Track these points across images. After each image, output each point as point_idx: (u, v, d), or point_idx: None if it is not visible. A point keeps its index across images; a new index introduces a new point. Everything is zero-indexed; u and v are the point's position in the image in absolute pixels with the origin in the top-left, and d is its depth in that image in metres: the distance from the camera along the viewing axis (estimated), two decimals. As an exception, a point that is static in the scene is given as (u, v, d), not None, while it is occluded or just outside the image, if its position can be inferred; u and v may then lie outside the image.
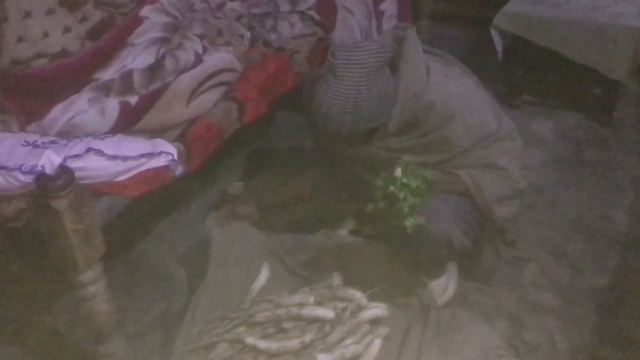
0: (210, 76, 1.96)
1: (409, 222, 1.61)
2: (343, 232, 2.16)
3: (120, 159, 1.61)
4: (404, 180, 1.59)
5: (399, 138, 1.77)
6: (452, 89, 1.73)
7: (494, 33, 2.74)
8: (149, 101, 1.81)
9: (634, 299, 1.91)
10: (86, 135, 1.70)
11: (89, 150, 1.57)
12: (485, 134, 1.75)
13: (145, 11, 2.00)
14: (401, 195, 1.60)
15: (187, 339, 1.77)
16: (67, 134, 1.71)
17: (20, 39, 1.81)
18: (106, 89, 1.80)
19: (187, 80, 1.89)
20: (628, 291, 1.95)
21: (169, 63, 1.91)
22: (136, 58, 1.87)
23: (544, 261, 2.09)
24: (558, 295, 1.96)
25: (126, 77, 1.82)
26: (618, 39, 2.53)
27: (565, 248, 2.15)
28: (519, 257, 2.11)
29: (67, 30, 1.92)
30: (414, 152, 1.75)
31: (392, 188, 1.60)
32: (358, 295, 1.81)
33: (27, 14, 1.82)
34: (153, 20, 1.99)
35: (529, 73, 2.93)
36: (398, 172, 1.60)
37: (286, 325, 1.77)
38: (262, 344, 1.69)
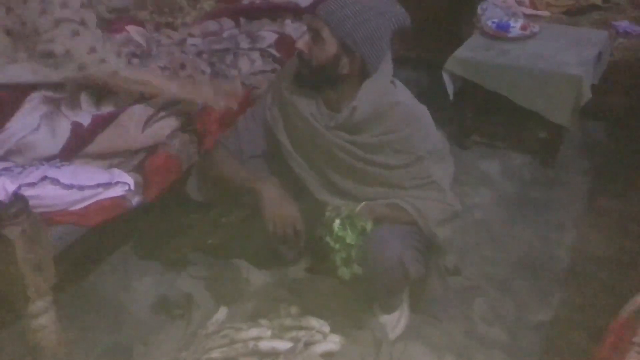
0: (167, 104, 1.97)
1: (342, 272, 1.71)
2: (298, 268, 2.19)
3: (76, 188, 1.61)
4: (340, 233, 1.66)
5: (363, 134, 1.82)
6: (414, 99, 1.85)
7: (445, 76, 2.85)
8: (102, 123, 1.80)
9: (576, 334, 1.98)
10: (42, 162, 1.68)
11: (44, 178, 1.57)
12: (435, 148, 1.85)
13: None
14: (335, 247, 1.66)
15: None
16: (18, 152, 1.68)
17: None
18: (56, 104, 1.79)
19: (142, 106, 1.90)
20: (571, 326, 2.02)
21: None
22: None
23: (491, 296, 2.15)
24: (505, 330, 2.02)
25: (74, 94, 1.82)
26: (560, 86, 2.67)
27: (512, 284, 2.22)
28: (467, 287, 2.17)
29: None
30: (374, 150, 1.81)
31: (327, 239, 1.67)
32: (319, 323, 1.83)
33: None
34: None
35: (478, 115, 3.05)
36: (336, 223, 1.67)
37: (242, 359, 1.77)
38: (215, 377, 1.68)
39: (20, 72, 1.73)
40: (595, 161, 2.95)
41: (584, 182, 2.81)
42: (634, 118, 2.99)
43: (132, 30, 2.23)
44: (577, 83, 2.63)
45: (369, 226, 1.69)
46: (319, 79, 1.76)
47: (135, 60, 2.08)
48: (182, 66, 2.18)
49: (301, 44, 1.74)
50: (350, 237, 1.66)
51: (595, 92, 2.72)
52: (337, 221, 1.67)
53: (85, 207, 1.63)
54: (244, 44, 2.45)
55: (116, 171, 1.73)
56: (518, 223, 2.54)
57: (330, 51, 1.71)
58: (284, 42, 2.46)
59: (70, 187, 1.59)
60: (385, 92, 1.80)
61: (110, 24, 2.27)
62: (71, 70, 1.73)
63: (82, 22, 1.74)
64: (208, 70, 2.27)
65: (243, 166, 1.89)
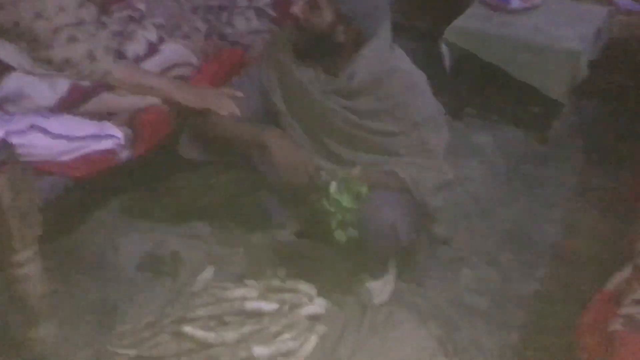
0: (166, 70, 1.97)
1: (337, 236, 1.71)
2: (286, 232, 2.19)
3: (64, 138, 1.59)
4: (336, 196, 1.66)
5: (360, 100, 1.80)
6: (412, 65, 1.83)
7: (443, 46, 2.82)
8: (101, 86, 1.78)
9: (558, 307, 2.00)
10: (30, 111, 1.65)
11: (32, 127, 1.55)
12: (431, 115, 1.83)
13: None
14: (331, 209, 1.66)
15: (126, 330, 1.76)
16: (12, 102, 1.66)
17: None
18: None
19: None
20: (553, 300, 2.04)
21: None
22: None
23: (478, 267, 2.17)
24: (489, 301, 2.03)
25: None
26: (558, 61, 2.65)
27: (498, 256, 2.23)
28: (454, 258, 2.18)
29: None
30: (371, 116, 1.80)
31: (323, 201, 1.67)
32: (306, 286, 1.84)
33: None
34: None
35: (473, 87, 3.03)
36: (333, 186, 1.66)
37: (228, 318, 1.78)
38: (200, 333, 1.69)
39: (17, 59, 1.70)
40: (588, 139, 2.94)
41: (576, 159, 2.81)
42: (629, 97, 2.98)
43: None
44: (575, 58, 2.61)
45: (364, 190, 1.69)
46: (315, 47, 1.74)
47: (133, 25, 2.04)
48: (178, 26, 2.14)
49: (296, 10, 1.70)
50: (346, 200, 1.66)
51: (592, 69, 2.70)
52: (334, 184, 1.67)
53: (74, 159, 1.61)
54: (241, 1, 2.40)
55: (106, 124, 1.71)
56: (508, 197, 2.55)
57: (326, 19, 1.68)
58: (282, 2, 2.41)
59: (58, 137, 1.57)
60: (384, 58, 1.77)
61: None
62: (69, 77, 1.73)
63: (80, 22, 1.71)
64: (203, 27, 2.23)
65: (244, 122, 1.86)
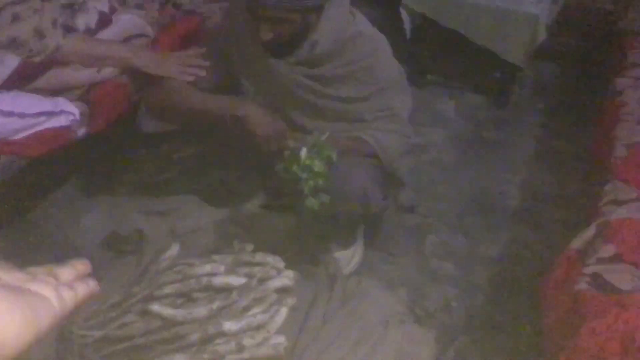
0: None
1: (309, 202, 1.67)
2: (253, 205, 2.16)
3: (16, 115, 1.52)
4: (307, 162, 1.63)
5: (324, 67, 1.78)
6: (374, 29, 1.81)
7: (403, 12, 2.80)
8: (53, 60, 1.70)
9: (524, 269, 2.04)
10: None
11: (-19, 104, 1.47)
12: (395, 78, 1.82)
13: None
14: (303, 175, 1.63)
15: (91, 311, 1.72)
16: None
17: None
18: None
19: None
20: (520, 261, 2.08)
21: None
22: None
23: (444, 233, 2.19)
24: (456, 265, 2.06)
25: None
26: (516, 25, 2.66)
27: (463, 221, 2.26)
28: (420, 224, 2.20)
29: None
30: (335, 83, 1.78)
31: (294, 167, 1.64)
32: (274, 259, 1.82)
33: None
34: None
35: (434, 54, 3.03)
36: (303, 152, 1.63)
37: (196, 295, 1.75)
38: (168, 311, 1.66)
39: None
40: (547, 102, 2.99)
41: (536, 123, 2.85)
42: (585, 59, 3.03)
43: None
44: (534, 22, 2.63)
45: (334, 155, 1.66)
46: (293, 44, 1.71)
47: None
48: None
49: (267, 36, 1.64)
50: (317, 165, 1.63)
51: (549, 33, 2.73)
52: (304, 149, 1.63)
53: (27, 137, 1.55)
54: (196, -31, 2.32)
55: (60, 100, 1.64)
56: (471, 162, 2.57)
57: (297, 23, 1.64)
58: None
59: (9, 114, 1.50)
60: (345, 23, 1.74)
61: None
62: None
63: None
64: (159, -4, 2.15)
65: (211, 95, 1.81)
